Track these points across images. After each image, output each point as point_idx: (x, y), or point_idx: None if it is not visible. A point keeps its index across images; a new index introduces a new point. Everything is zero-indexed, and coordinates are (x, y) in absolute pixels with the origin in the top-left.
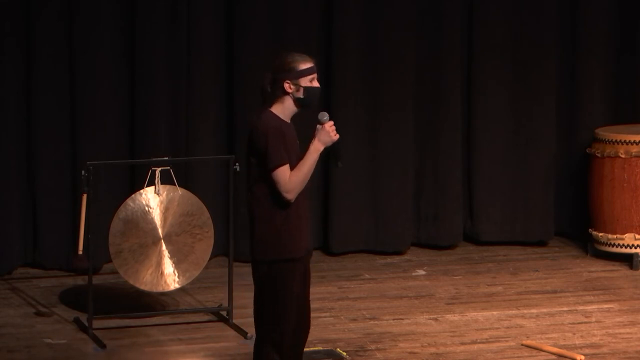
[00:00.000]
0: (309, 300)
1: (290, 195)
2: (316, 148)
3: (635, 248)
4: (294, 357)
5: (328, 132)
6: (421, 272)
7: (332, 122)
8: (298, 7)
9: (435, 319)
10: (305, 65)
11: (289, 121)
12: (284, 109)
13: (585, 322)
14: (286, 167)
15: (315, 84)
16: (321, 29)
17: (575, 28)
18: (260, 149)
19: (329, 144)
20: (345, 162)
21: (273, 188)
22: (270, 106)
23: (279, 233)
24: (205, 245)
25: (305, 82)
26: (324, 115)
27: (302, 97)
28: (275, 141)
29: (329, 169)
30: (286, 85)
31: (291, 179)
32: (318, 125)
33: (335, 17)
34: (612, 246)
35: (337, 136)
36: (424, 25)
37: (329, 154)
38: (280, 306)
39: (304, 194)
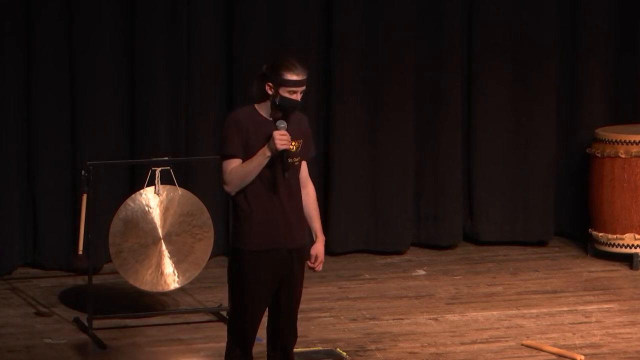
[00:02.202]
0: (296, 302)
1: (228, 188)
2: (263, 152)
3: (635, 248)
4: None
5: (274, 140)
6: (421, 272)
7: (283, 132)
8: (298, 7)
9: (435, 319)
10: (292, 76)
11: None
12: (267, 108)
13: (585, 322)
14: (232, 160)
15: (295, 97)
16: (321, 29)
17: (575, 28)
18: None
19: (275, 152)
20: (290, 172)
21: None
22: (258, 102)
23: (241, 223)
24: (205, 245)
25: (284, 91)
26: (281, 123)
27: (277, 103)
28: (228, 131)
29: (328, 169)
30: (267, 87)
31: (231, 172)
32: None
33: (335, 17)
34: (612, 246)
35: (285, 146)
36: (424, 25)
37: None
38: (238, 298)
39: (281, 189)
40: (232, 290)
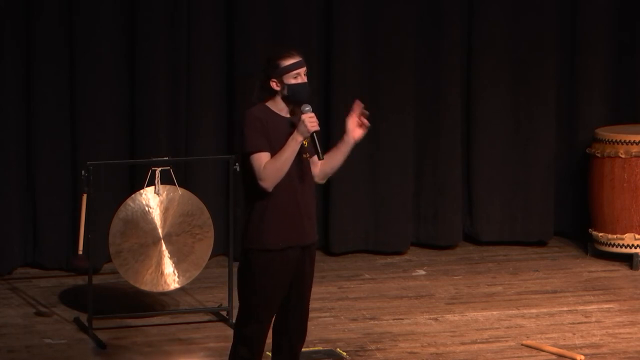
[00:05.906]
0: (307, 300)
1: (266, 184)
2: (294, 138)
3: (635, 248)
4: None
5: (304, 123)
6: (421, 272)
7: (312, 114)
8: (298, 7)
9: (435, 319)
10: (289, 61)
11: (289, 115)
12: (277, 104)
13: (585, 322)
14: (262, 155)
15: (301, 79)
16: (321, 29)
17: (575, 28)
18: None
19: (307, 134)
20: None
21: (252, 176)
22: (266, 101)
23: (256, 222)
24: (205, 245)
25: (289, 79)
26: (306, 107)
27: (287, 94)
28: (251, 128)
29: None
30: (273, 84)
31: (266, 166)
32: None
33: (335, 16)
34: (612, 246)
35: (315, 128)
36: (424, 25)
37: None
38: (252, 299)
39: (297, 185)
40: (245, 293)
